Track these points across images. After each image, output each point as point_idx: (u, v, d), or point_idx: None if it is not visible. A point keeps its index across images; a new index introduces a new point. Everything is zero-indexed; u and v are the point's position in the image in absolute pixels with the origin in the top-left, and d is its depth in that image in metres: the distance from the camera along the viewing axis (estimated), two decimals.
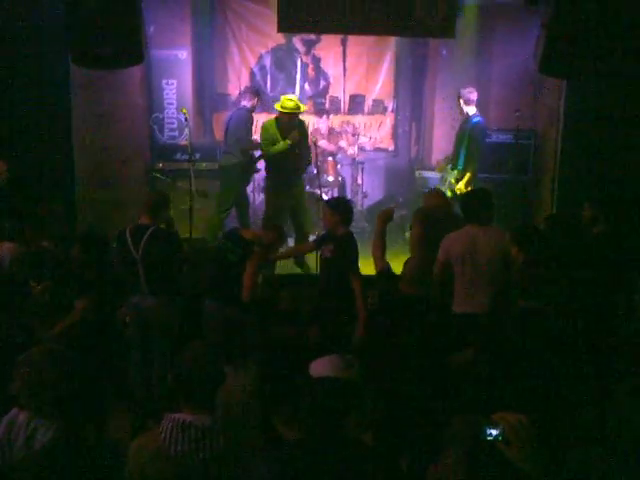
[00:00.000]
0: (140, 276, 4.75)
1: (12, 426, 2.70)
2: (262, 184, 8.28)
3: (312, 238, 6.57)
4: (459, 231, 4.74)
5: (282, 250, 5.77)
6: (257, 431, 3.40)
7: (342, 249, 4.89)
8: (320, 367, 2.36)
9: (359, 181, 8.68)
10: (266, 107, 8.81)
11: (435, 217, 5.10)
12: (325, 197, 7.71)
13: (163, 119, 8.42)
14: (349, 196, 8.77)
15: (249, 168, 7.63)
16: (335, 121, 9.05)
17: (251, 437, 3.29)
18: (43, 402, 2.71)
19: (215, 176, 7.76)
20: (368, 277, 6.02)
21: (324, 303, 4.88)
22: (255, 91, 7.67)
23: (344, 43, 8.84)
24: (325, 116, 8.76)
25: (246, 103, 7.46)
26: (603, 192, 6.31)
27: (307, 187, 8.19)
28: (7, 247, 4.52)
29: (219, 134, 8.86)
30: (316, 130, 8.73)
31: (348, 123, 9.03)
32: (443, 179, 7.46)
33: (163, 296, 4.79)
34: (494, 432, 1.89)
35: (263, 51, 8.88)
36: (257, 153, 7.73)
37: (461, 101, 7.14)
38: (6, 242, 4.57)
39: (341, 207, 5.00)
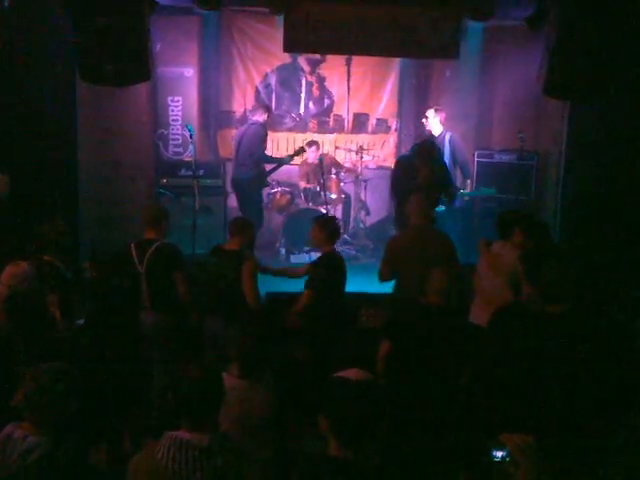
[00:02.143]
0: (143, 291, 4.76)
1: (7, 442, 2.71)
2: (266, 200, 8.36)
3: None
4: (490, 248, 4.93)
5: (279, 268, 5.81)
6: (271, 446, 3.40)
7: (321, 266, 4.91)
8: (350, 375, 2.33)
9: (362, 199, 8.72)
10: (271, 125, 8.87)
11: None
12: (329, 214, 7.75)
13: (168, 135, 8.46)
14: (352, 214, 8.82)
15: (261, 181, 7.80)
16: (339, 139, 9.12)
17: (265, 452, 3.29)
18: (43, 418, 2.72)
19: (220, 192, 7.85)
20: (372, 295, 6.05)
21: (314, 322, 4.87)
22: (266, 107, 8.00)
23: (349, 63, 8.92)
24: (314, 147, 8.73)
25: (258, 118, 7.76)
26: (604, 214, 6.35)
27: (310, 204, 8.25)
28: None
29: (223, 151, 8.91)
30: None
31: (352, 142, 9.10)
32: None
33: (163, 311, 4.79)
34: (501, 454, 1.88)
35: (268, 70, 8.94)
36: (268, 166, 7.91)
37: (438, 119, 7.51)
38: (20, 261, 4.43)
39: (329, 225, 5.00)
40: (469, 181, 7.73)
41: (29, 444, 2.67)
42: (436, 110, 7.70)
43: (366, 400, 2.25)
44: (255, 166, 7.68)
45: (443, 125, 7.69)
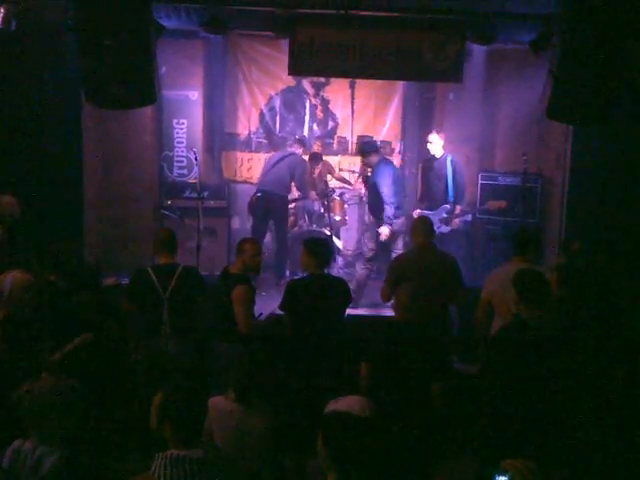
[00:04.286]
0: (164, 317, 4.64)
1: (18, 455, 2.71)
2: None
3: None
4: (501, 266, 4.88)
5: None
6: (268, 472, 3.38)
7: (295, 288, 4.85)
8: (344, 406, 2.30)
9: (366, 220, 8.72)
10: (275, 147, 8.93)
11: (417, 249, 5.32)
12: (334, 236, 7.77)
13: (173, 157, 8.53)
14: (356, 235, 8.83)
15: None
16: (342, 161, 9.17)
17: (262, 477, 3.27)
18: (47, 431, 2.71)
19: (224, 214, 8.02)
20: (377, 317, 6.03)
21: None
22: (301, 142, 8.35)
23: (352, 86, 8.99)
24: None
25: (296, 150, 8.10)
26: (609, 236, 6.34)
27: (314, 226, 8.27)
28: (13, 275, 4.22)
29: (228, 173, 8.97)
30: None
31: (355, 164, 9.14)
32: None
33: (184, 338, 4.70)
34: (503, 479, 1.87)
35: (273, 92, 9.02)
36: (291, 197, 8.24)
37: (443, 142, 7.55)
38: (15, 271, 4.47)
39: (319, 249, 4.84)
40: (459, 206, 7.55)
41: (40, 455, 2.67)
42: (438, 132, 7.76)
43: (366, 436, 2.23)
44: (289, 190, 8.01)
45: (444, 148, 7.72)
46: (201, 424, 2.76)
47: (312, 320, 4.66)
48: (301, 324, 4.69)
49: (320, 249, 4.83)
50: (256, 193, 7.97)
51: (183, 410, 2.66)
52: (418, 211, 7.53)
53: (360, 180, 8.20)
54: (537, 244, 5.01)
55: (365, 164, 7.44)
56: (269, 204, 7.88)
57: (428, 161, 7.88)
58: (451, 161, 7.55)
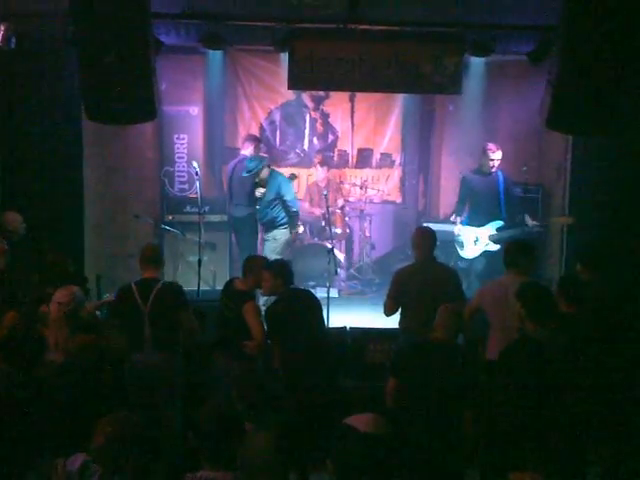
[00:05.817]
0: (145, 332, 4.63)
1: (87, 468, 2.78)
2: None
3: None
4: (496, 279, 4.79)
5: None
6: None
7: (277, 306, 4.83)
8: (360, 424, 2.26)
9: (367, 233, 8.73)
10: (275, 161, 8.94)
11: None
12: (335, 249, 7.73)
13: (174, 172, 8.54)
14: (357, 247, 8.83)
15: (256, 219, 7.73)
16: (343, 175, 9.18)
17: None
18: (116, 462, 2.75)
19: (225, 228, 7.90)
20: (379, 330, 6.00)
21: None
22: (253, 138, 7.90)
23: (352, 99, 9.02)
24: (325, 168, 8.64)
25: (245, 151, 7.66)
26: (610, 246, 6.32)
27: (316, 239, 8.26)
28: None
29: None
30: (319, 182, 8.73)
31: (356, 176, 9.14)
32: (475, 240, 7.14)
33: (168, 352, 4.68)
34: None
35: (273, 107, 9.04)
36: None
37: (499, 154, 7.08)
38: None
39: (283, 270, 4.89)
40: (527, 215, 7.21)
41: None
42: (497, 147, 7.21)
43: (373, 455, 2.20)
44: (250, 203, 7.58)
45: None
46: (234, 446, 2.69)
47: (303, 335, 4.66)
48: (293, 343, 4.65)
49: (284, 269, 4.91)
50: (228, 219, 7.88)
51: (214, 431, 2.63)
52: (459, 226, 7.20)
53: None
54: (529, 255, 4.85)
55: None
56: (236, 228, 7.80)
57: (477, 175, 7.29)
58: (502, 176, 7.19)
